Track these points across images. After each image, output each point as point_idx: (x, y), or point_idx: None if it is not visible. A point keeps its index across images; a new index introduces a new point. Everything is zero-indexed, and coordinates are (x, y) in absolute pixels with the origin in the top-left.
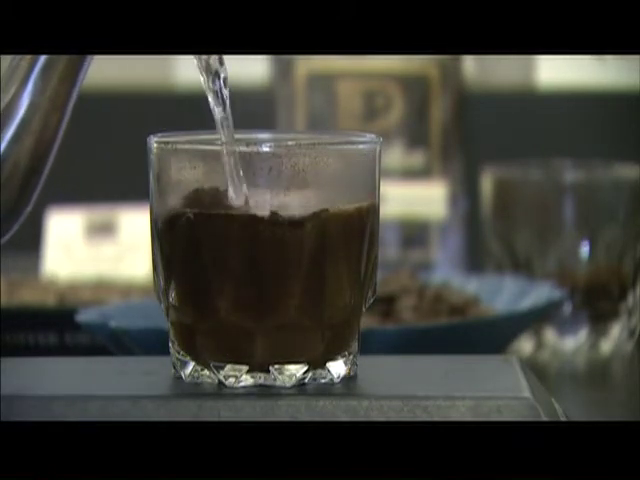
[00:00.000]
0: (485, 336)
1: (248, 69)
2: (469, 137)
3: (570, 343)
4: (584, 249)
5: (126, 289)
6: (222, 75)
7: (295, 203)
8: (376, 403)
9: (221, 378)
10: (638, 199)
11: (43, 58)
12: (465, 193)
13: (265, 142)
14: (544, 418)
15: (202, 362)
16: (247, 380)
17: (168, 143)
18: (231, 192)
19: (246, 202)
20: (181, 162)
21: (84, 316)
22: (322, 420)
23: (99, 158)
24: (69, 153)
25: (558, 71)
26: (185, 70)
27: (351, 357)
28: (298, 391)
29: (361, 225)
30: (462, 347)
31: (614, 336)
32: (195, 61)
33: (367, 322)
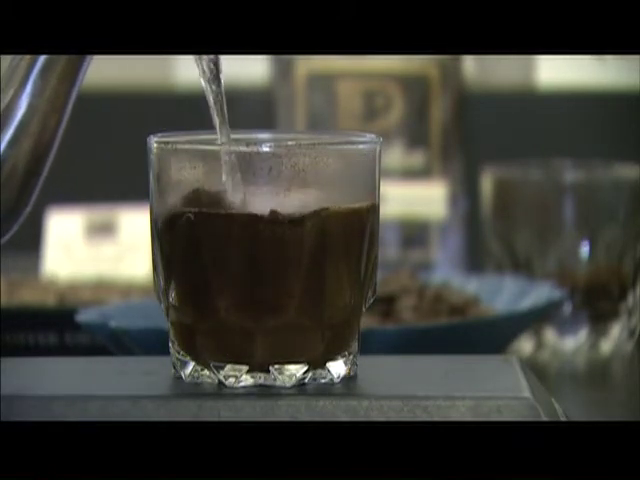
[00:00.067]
0: (485, 336)
1: (248, 69)
2: (469, 137)
3: (570, 343)
4: (584, 249)
5: (126, 289)
6: (220, 75)
7: (295, 203)
8: (376, 403)
9: (221, 378)
10: (638, 199)
11: (42, 58)
12: (465, 193)
13: (265, 142)
14: (544, 418)
15: (202, 362)
16: (247, 380)
17: (168, 143)
18: (231, 192)
19: (246, 202)
20: (181, 162)
21: (84, 316)
22: (322, 420)
23: (99, 158)
24: (69, 153)
25: (558, 71)
26: (185, 70)
27: (351, 357)
28: (298, 391)
29: (361, 225)
30: (462, 347)
31: (614, 336)
32: (194, 61)
33: (367, 322)
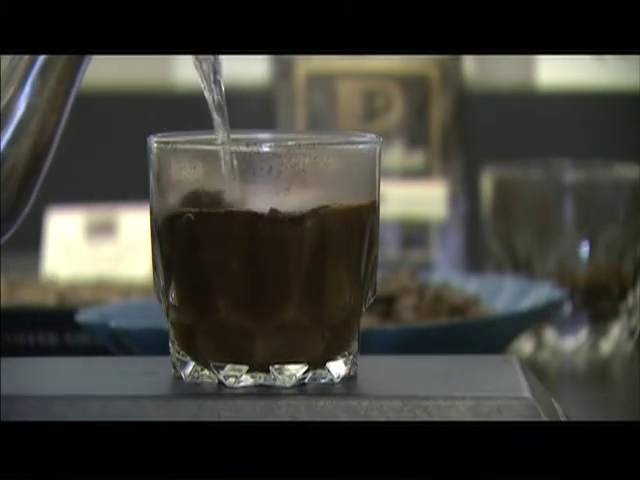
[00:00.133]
0: (485, 336)
1: (248, 69)
2: (469, 137)
3: (570, 343)
4: (584, 249)
5: (126, 289)
6: (219, 75)
7: (295, 203)
8: (376, 403)
9: (221, 378)
10: (638, 199)
11: (41, 59)
12: (465, 193)
13: (265, 142)
14: (544, 418)
15: (202, 362)
16: (247, 380)
17: (168, 143)
18: (231, 192)
19: (246, 202)
20: (181, 162)
21: (84, 316)
22: (322, 420)
23: (99, 158)
24: (69, 153)
25: (558, 71)
26: (185, 70)
27: (351, 357)
28: (298, 391)
29: (361, 225)
30: (462, 347)
31: (614, 336)
32: (193, 61)
33: (367, 322)
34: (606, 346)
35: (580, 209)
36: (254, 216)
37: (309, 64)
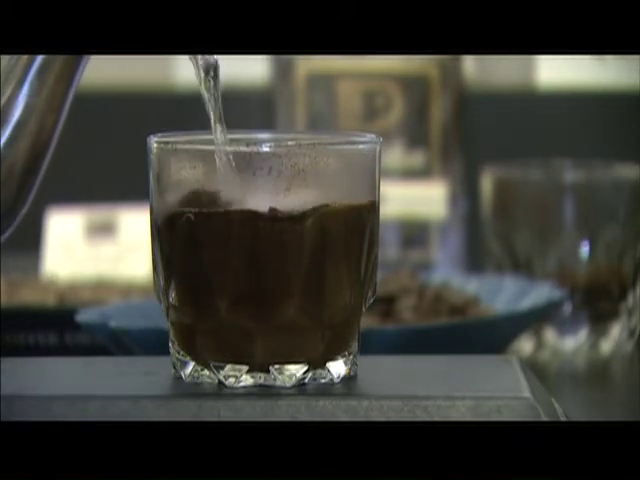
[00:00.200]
0: (485, 336)
1: (248, 69)
2: (469, 137)
3: (570, 343)
4: (584, 249)
5: (126, 289)
6: (217, 74)
7: (295, 203)
8: (376, 403)
9: (221, 378)
10: (638, 199)
11: (39, 58)
12: (465, 193)
13: (265, 142)
14: (544, 418)
15: (202, 362)
16: (247, 380)
17: (168, 143)
18: (231, 192)
19: (246, 202)
20: (181, 162)
21: (84, 316)
22: (322, 420)
23: (99, 158)
24: (69, 153)
25: (558, 71)
26: (185, 70)
27: (351, 357)
28: (298, 391)
29: (361, 224)
30: (462, 347)
31: (614, 336)
32: (190, 60)
33: (367, 322)
34: (606, 346)
35: (580, 209)
36: (254, 215)
37: (309, 64)
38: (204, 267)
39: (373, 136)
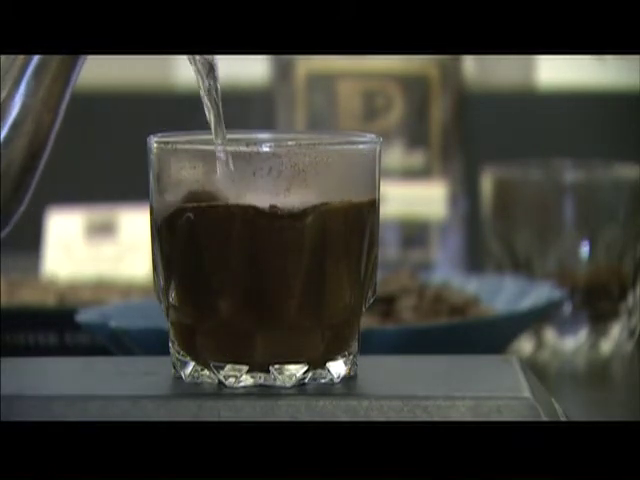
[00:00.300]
0: (485, 336)
1: (248, 69)
2: (469, 137)
3: (570, 343)
4: (584, 249)
5: (126, 289)
6: (216, 74)
7: (295, 203)
8: (376, 403)
9: (221, 378)
10: (638, 199)
11: (36, 58)
12: (465, 193)
13: (265, 142)
14: (544, 418)
15: (202, 362)
16: (247, 380)
17: (168, 143)
18: (231, 192)
19: (246, 202)
20: (181, 162)
21: (84, 316)
22: (322, 420)
23: (99, 158)
24: (69, 153)
25: (558, 71)
26: (185, 70)
27: (351, 357)
28: (298, 391)
29: (361, 224)
30: (462, 347)
31: (614, 336)
32: (188, 60)
33: (367, 322)
34: (606, 346)
35: (580, 209)
36: (254, 214)
37: (309, 64)
38: (204, 267)
39: (373, 136)
